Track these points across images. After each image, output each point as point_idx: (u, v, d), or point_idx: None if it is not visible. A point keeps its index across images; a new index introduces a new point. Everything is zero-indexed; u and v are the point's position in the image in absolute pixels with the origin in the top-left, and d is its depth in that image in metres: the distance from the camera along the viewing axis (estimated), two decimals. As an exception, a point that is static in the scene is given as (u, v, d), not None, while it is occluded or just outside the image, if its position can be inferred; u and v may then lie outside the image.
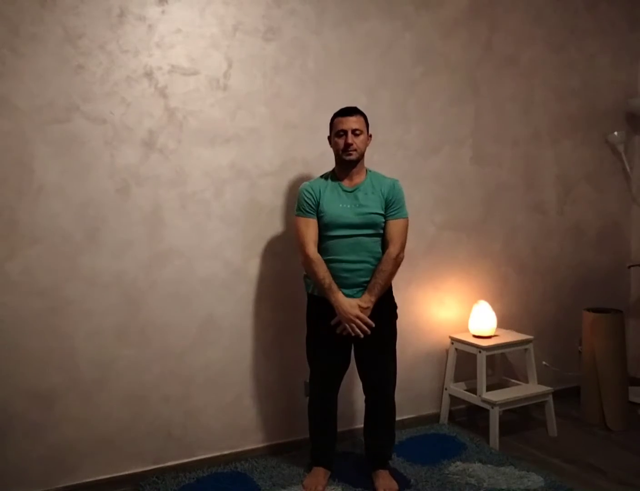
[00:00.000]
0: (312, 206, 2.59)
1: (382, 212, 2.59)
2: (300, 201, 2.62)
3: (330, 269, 2.56)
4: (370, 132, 2.67)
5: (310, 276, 2.61)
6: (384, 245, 2.61)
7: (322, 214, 2.58)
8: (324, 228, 2.58)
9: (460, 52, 3.40)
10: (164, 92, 2.73)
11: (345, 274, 2.55)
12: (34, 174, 2.53)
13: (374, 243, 2.59)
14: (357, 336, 2.52)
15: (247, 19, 2.87)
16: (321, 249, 2.60)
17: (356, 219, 2.55)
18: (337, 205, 2.57)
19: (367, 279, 2.57)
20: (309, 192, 2.61)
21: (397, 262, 2.59)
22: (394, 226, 2.60)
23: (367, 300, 2.54)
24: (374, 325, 2.53)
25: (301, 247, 2.59)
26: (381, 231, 2.61)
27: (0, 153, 2.48)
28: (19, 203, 2.52)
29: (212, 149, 2.84)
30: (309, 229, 2.59)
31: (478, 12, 3.43)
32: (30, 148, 2.52)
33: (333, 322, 2.55)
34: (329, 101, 2.99)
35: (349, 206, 2.57)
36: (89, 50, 2.59)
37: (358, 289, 2.57)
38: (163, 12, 2.71)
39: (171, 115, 2.75)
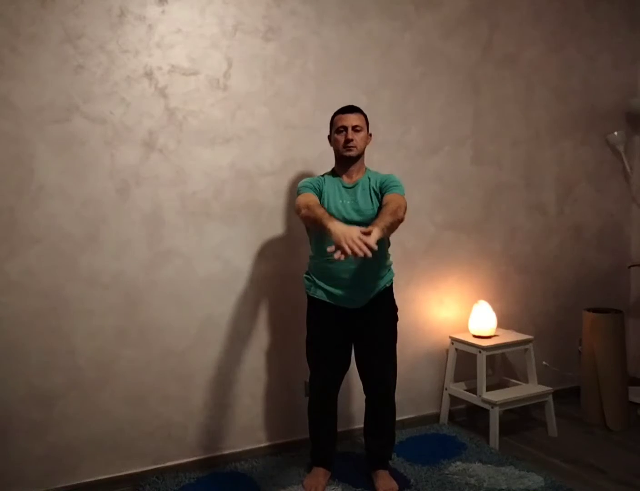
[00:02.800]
0: (316, 188, 2.55)
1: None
2: (301, 187, 2.57)
3: (329, 270, 2.55)
4: (370, 131, 2.67)
5: (309, 220, 2.42)
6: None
7: None
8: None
9: (460, 52, 3.40)
10: (164, 92, 2.73)
11: (344, 275, 2.54)
12: (34, 174, 2.53)
13: (379, 242, 2.57)
14: (355, 256, 2.14)
15: (247, 19, 2.87)
16: (320, 248, 2.59)
17: (355, 216, 2.53)
18: (337, 201, 2.56)
19: (368, 280, 2.56)
20: (310, 182, 2.58)
21: (398, 212, 2.40)
22: (390, 195, 2.48)
23: (370, 229, 2.25)
24: (376, 248, 2.18)
25: (300, 205, 2.46)
26: None
27: (0, 153, 2.48)
28: (19, 203, 2.52)
29: (212, 149, 2.84)
30: (310, 196, 2.48)
31: (478, 12, 3.43)
32: (30, 148, 2.52)
33: (329, 249, 2.20)
34: (329, 101, 2.99)
35: (348, 202, 2.56)
36: (89, 50, 2.59)
37: (358, 290, 2.56)
38: (163, 12, 2.71)
39: (171, 115, 2.75)
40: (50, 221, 2.57)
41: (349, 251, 2.12)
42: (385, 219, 2.34)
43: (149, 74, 2.70)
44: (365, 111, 2.65)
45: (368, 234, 2.19)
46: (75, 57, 2.57)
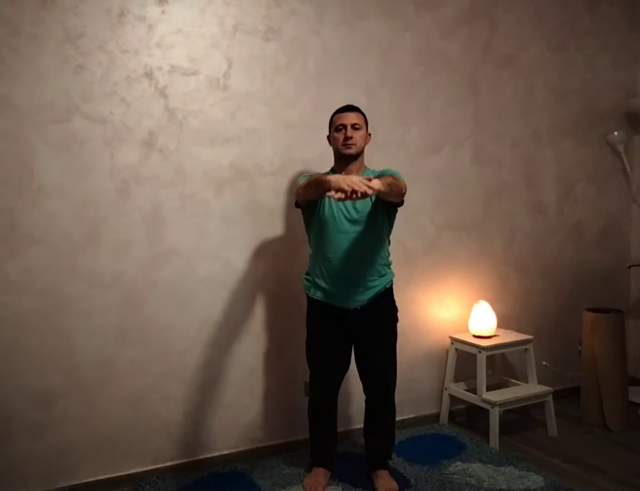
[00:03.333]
0: None
1: (382, 204, 2.54)
2: (301, 178, 2.58)
3: (328, 267, 2.54)
4: (370, 131, 2.67)
5: (310, 187, 2.43)
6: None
7: (320, 206, 2.54)
8: (322, 224, 2.55)
9: (460, 52, 3.40)
10: (164, 92, 2.74)
11: (344, 272, 2.53)
12: (34, 174, 2.53)
13: (375, 241, 2.58)
14: (355, 195, 2.14)
15: (247, 19, 2.87)
16: (319, 245, 2.57)
17: (354, 214, 2.52)
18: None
19: (368, 279, 2.55)
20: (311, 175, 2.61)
21: (399, 181, 2.42)
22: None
23: (371, 177, 2.27)
24: (377, 189, 2.18)
25: (299, 186, 2.52)
26: (382, 231, 2.59)
27: (0, 153, 2.48)
28: (19, 203, 2.52)
29: (212, 149, 2.84)
30: None
31: (478, 12, 3.43)
32: (30, 148, 2.52)
33: (328, 194, 2.20)
34: (329, 101, 2.98)
35: (348, 200, 2.54)
36: (89, 50, 2.59)
37: (358, 289, 2.55)
38: (163, 12, 2.71)
39: (171, 115, 2.75)
40: (50, 221, 2.57)
41: (348, 189, 2.13)
42: (387, 179, 2.35)
43: (149, 74, 2.70)
44: (365, 111, 2.66)
45: (369, 181, 2.21)
46: (75, 57, 2.57)
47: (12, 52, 2.47)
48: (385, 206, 2.55)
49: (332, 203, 2.52)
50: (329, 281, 2.57)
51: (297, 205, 2.65)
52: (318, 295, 2.60)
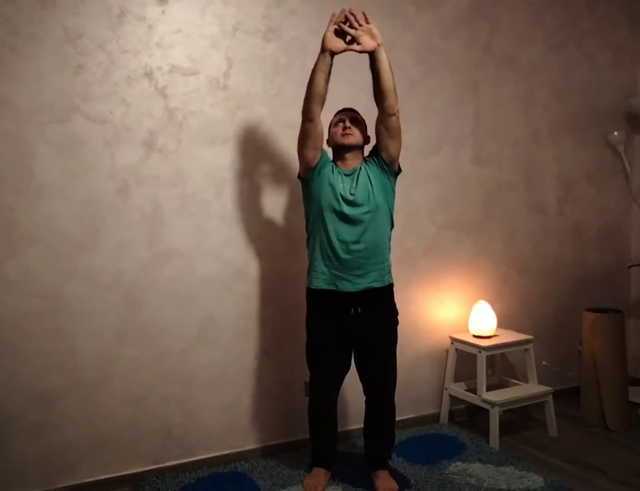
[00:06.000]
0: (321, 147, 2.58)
1: (387, 174, 2.55)
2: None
3: (329, 249, 2.51)
4: (369, 134, 2.66)
5: (310, 86, 2.50)
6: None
7: (319, 187, 2.52)
8: (324, 206, 2.51)
9: (460, 52, 3.40)
10: (164, 92, 2.74)
11: (344, 256, 2.50)
12: (34, 174, 2.53)
13: (379, 223, 2.54)
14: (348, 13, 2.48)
15: (247, 19, 2.87)
16: (319, 227, 2.53)
17: (351, 198, 2.50)
18: (338, 184, 2.52)
19: (370, 262, 2.52)
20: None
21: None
22: None
23: None
24: (380, 42, 2.50)
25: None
26: (383, 213, 2.55)
27: (0, 153, 2.48)
28: (18, 203, 2.52)
29: (212, 149, 2.84)
30: None
31: (478, 12, 3.43)
32: (30, 148, 2.52)
33: (328, 29, 2.50)
34: (329, 100, 2.94)
35: (347, 186, 2.52)
36: (89, 50, 2.59)
37: (359, 273, 2.52)
38: (163, 12, 2.71)
39: (171, 115, 2.75)
40: (50, 221, 2.57)
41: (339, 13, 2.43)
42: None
43: (149, 74, 2.70)
44: (365, 111, 2.65)
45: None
46: (75, 57, 2.57)
47: (12, 52, 2.47)
48: (385, 173, 2.55)
49: (332, 187, 2.51)
50: (328, 262, 2.53)
51: (299, 176, 2.63)
52: (316, 283, 2.55)
